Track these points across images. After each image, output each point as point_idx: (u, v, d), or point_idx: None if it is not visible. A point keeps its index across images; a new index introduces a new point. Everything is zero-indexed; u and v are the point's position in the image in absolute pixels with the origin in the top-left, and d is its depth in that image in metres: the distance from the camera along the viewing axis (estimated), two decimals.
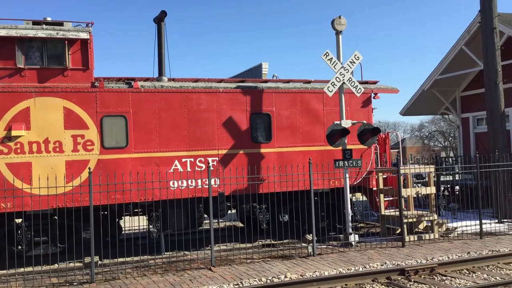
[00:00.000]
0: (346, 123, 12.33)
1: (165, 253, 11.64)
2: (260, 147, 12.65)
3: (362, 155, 13.35)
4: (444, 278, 9.15)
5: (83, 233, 11.09)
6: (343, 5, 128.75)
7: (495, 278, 8.94)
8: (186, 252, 11.72)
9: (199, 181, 11.74)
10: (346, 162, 12.02)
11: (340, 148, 12.32)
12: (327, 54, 12.18)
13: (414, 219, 12.77)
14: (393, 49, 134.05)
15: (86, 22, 11.33)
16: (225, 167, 12.14)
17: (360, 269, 9.57)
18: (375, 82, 14.51)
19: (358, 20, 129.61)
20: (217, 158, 12.17)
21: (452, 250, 11.00)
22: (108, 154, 11.24)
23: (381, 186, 13.23)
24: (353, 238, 11.89)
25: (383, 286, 8.83)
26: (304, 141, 13.07)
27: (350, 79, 12.35)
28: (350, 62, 12.37)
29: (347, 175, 12.24)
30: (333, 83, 12.22)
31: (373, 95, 14.00)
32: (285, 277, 9.10)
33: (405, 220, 12.09)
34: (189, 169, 11.82)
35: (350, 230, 12.06)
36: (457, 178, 18.40)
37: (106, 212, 11.12)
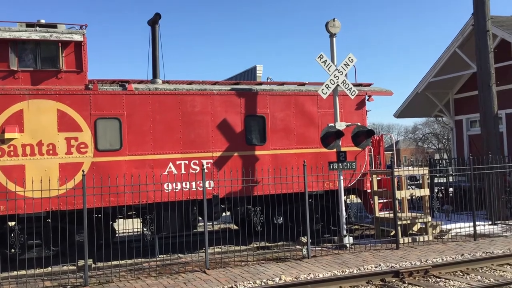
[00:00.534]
0: (340, 125, 12.35)
1: (159, 256, 11.60)
2: (254, 149, 12.65)
3: (356, 157, 13.38)
4: (438, 280, 9.17)
5: (76, 236, 11.03)
6: (338, 8, 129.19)
7: (489, 280, 8.97)
8: (181, 255, 11.69)
9: (194, 183, 11.71)
10: (340, 164, 12.03)
11: (335, 150, 12.34)
12: (321, 56, 12.20)
13: (408, 221, 12.80)
14: (387, 51, 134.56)
15: (80, 24, 11.33)
16: (219, 170, 12.12)
17: (355, 271, 9.57)
18: (369, 85, 14.54)
19: (353, 22, 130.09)
20: (211, 161, 12.15)
21: (446, 252, 11.03)
22: (102, 157, 11.19)
23: (375, 188, 13.25)
24: (348, 240, 11.90)
25: None
26: (298, 143, 13.08)
27: (344, 82, 12.38)
28: (344, 64, 12.40)
29: (342, 177, 12.26)
30: (327, 86, 12.24)
31: (367, 97, 14.04)
32: (280, 279, 9.09)
33: (399, 222, 12.11)
34: (183, 171, 11.79)
35: (345, 232, 12.07)
36: (450, 180, 18.46)
37: (99, 215, 11.07)
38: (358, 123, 12.88)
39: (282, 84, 13.80)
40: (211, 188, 11.91)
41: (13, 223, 10.48)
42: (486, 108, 15.38)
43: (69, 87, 11.06)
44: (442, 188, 18.66)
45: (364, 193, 13.82)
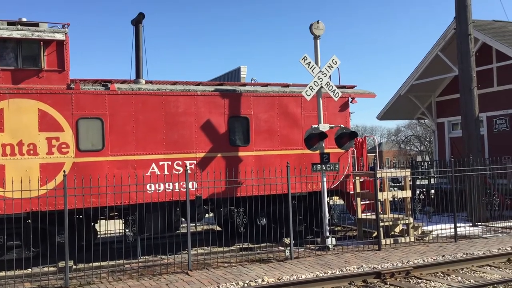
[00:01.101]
0: (324, 127, 12.40)
1: (141, 257, 11.51)
2: (238, 151, 12.63)
3: (339, 159, 13.44)
4: (420, 281, 9.25)
5: (57, 237, 10.89)
6: (323, 10, 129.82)
7: (469, 281, 9.07)
8: (163, 256, 11.61)
9: (177, 184, 11.65)
10: (323, 166, 12.08)
11: (318, 152, 12.38)
12: (305, 58, 12.24)
13: (390, 223, 12.90)
14: (371, 54, 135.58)
15: (62, 23, 11.19)
16: (202, 171, 12.08)
17: (337, 273, 9.61)
18: (352, 87, 14.63)
19: (337, 25, 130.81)
20: (194, 161, 12.10)
21: (427, 253, 11.13)
22: (84, 157, 11.08)
23: (358, 189, 13.33)
24: (330, 241, 11.94)
25: None
26: (282, 145, 13.10)
27: (328, 83, 12.44)
28: (328, 66, 12.46)
29: (325, 179, 12.30)
30: (311, 87, 12.28)
31: (350, 99, 14.12)
32: (263, 280, 9.08)
33: (381, 224, 12.20)
34: (166, 172, 11.73)
35: (327, 234, 12.12)
36: (432, 182, 18.66)
37: (81, 216, 10.95)
38: (342, 125, 12.96)
39: (266, 85, 13.81)
40: (194, 189, 11.86)
41: None
42: (468, 111, 15.58)
43: (50, 87, 10.92)
44: (424, 190, 18.85)
45: (347, 195, 13.89)
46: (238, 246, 12.44)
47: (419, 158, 60.51)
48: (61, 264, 9.45)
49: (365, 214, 13.56)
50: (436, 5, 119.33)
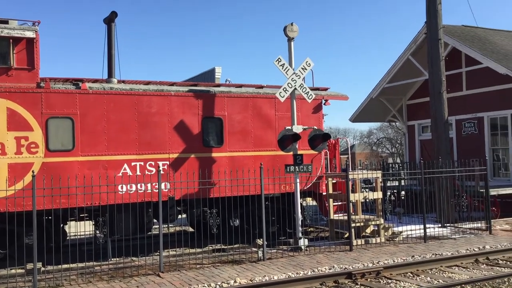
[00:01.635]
0: (297, 129, 12.47)
1: (112, 259, 11.35)
2: (211, 151, 12.59)
3: (312, 161, 13.53)
4: (390, 281, 9.38)
5: (25, 239, 10.66)
6: (297, 12, 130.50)
7: (438, 281, 9.24)
8: (134, 258, 11.49)
9: (149, 185, 11.54)
10: (297, 167, 12.14)
11: (291, 153, 12.44)
12: (279, 60, 12.29)
13: (362, 224, 13.04)
14: (343, 56, 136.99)
15: (32, 21, 10.96)
16: (176, 171, 11.99)
17: (309, 273, 9.67)
18: (326, 89, 14.75)
19: (312, 27, 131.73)
20: (167, 162, 12.01)
21: (397, 254, 11.30)
22: (54, 157, 10.87)
23: (330, 191, 13.45)
24: (303, 242, 12.01)
25: None
26: (255, 146, 13.11)
27: (302, 85, 12.51)
28: (302, 68, 12.53)
29: (298, 180, 12.36)
30: (285, 89, 12.33)
31: (324, 101, 14.22)
32: (235, 282, 9.07)
33: (353, 225, 12.32)
34: (138, 173, 11.60)
35: (300, 235, 12.18)
36: (402, 183, 18.95)
37: (50, 217, 10.74)
38: (315, 127, 13.05)
39: (240, 86, 13.81)
40: (167, 190, 11.77)
41: None
42: (437, 114, 15.88)
43: (19, 85, 10.69)
44: (395, 191, 19.13)
45: (320, 196, 13.99)
46: (210, 247, 12.39)
47: (390, 160, 61.39)
48: (29, 266, 9.27)
49: (337, 215, 13.69)
50: (408, 9, 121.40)
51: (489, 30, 21.90)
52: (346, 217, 12.51)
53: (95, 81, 12.15)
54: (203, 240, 12.61)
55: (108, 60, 12.62)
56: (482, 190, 14.97)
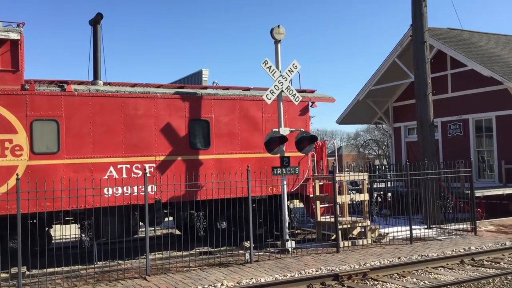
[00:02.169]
0: (284, 131, 12.48)
1: (98, 262, 11.25)
2: (198, 154, 12.55)
3: (299, 163, 13.55)
4: (376, 282, 9.42)
5: (10, 242, 10.51)
6: (284, 15, 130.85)
7: (424, 282, 9.29)
8: (120, 261, 11.40)
9: (135, 188, 11.47)
10: (284, 169, 12.14)
11: (278, 155, 12.44)
12: (266, 62, 12.30)
13: (349, 225, 13.08)
14: (330, 58, 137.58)
15: (17, 22, 10.85)
16: (162, 174, 11.93)
17: (296, 275, 9.67)
18: (313, 91, 14.79)
19: (299, 30, 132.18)
20: (154, 165, 11.94)
21: (384, 255, 11.35)
22: (38, 160, 10.75)
23: (317, 193, 13.47)
24: (290, 244, 12.01)
25: None
26: (242, 148, 13.09)
27: (289, 87, 12.53)
28: (289, 70, 12.55)
29: (285, 182, 12.37)
30: (271, 91, 12.34)
31: (310, 103, 14.26)
32: (222, 284, 9.04)
33: (340, 227, 12.36)
34: (125, 175, 11.52)
35: (287, 237, 12.18)
36: (389, 185, 19.07)
37: (35, 221, 10.61)
38: (302, 129, 13.08)
39: (227, 88, 13.79)
40: (153, 192, 11.70)
41: None
42: (423, 116, 16.00)
43: (4, 87, 10.56)
44: (381, 193, 19.23)
45: (307, 198, 14.01)
46: (197, 250, 12.34)
47: (377, 162, 61.75)
48: (14, 270, 9.15)
49: (324, 217, 13.72)
50: (394, 12, 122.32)
51: (474, 33, 22.16)
52: (333, 219, 12.54)
53: (80, 83, 12.05)
54: (190, 243, 12.55)
55: (94, 62, 12.53)
56: (467, 192, 15.12)
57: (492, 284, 9.03)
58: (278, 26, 12.55)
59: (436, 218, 15.13)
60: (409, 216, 13.07)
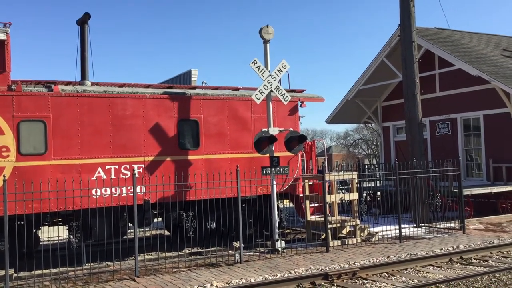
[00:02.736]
0: (274, 131, 12.47)
1: (86, 264, 11.17)
2: (187, 154, 12.50)
3: (289, 162, 13.55)
4: (366, 281, 9.44)
5: None
6: (273, 15, 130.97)
7: (413, 281, 9.33)
8: (109, 263, 11.32)
9: (124, 188, 11.40)
10: (273, 169, 12.13)
11: (268, 155, 12.43)
12: (255, 62, 12.28)
13: (338, 225, 13.11)
14: (319, 59, 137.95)
15: (3, 22, 10.74)
16: (151, 174, 11.87)
17: (286, 275, 9.66)
18: (302, 91, 14.80)
19: (288, 30, 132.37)
20: (143, 165, 11.88)
21: (373, 254, 11.38)
22: (25, 161, 10.65)
23: (307, 192, 13.48)
24: (280, 244, 12.01)
25: None
26: (232, 148, 13.07)
27: (278, 87, 12.52)
28: (278, 70, 12.55)
29: (274, 182, 12.36)
30: (261, 91, 12.33)
31: (300, 103, 14.27)
32: (211, 285, 9.01)
33: (329, 226, 12.38)
34: (113, 176, 11.45)
35: (277, 237, 12.18)
36: (378, 184, 19.15)
37: (22, 222, 10.51)
38: (291, 129, 13.07)
39: (216, 88, 13.76)
40: (142, 193, 11.64)
41: None
42: (411, 115, 16.08)
43: None
44: (370, 192, 19.30)
45: (297, 198, 14.02)
46: (187, 251, 12.30)
47: (366, 161, 61.99)
48: (1, 272, 9.06)
49: (314, 217, 13.74)
50: (382, 12, 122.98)
51: (462, 33, 22.33)
52: (322, 219, 12.56)
53: (68, 83, 11.96)
54: (180, 243, 12.49)
55: (82, 62, 12.45)
56: (455, 190, 15.21)
57: (480, 282, 9.09)
58: (267, 26, 12.54)
59: (425, 216, 15.22)
60: (398, 215, 13.12)
